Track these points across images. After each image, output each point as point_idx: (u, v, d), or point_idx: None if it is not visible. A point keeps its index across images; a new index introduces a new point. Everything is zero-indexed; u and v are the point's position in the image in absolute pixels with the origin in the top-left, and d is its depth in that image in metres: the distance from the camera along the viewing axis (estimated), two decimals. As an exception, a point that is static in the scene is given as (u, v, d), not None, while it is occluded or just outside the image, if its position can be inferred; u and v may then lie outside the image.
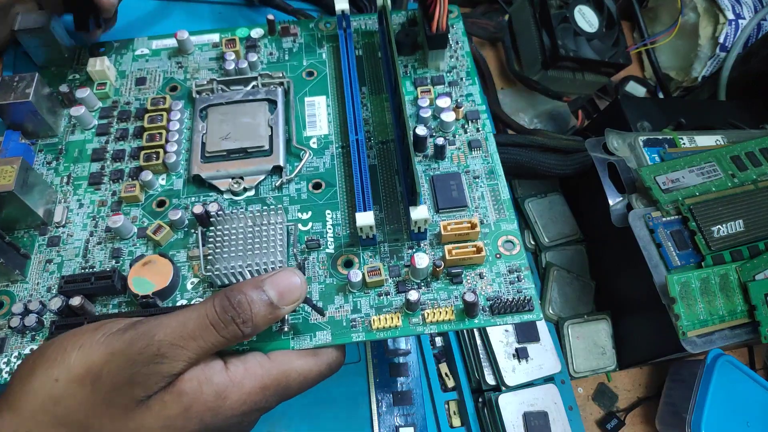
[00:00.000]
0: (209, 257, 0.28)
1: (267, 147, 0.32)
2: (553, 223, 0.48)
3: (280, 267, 0.27)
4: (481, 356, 0.39)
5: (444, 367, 0.41)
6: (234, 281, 0.27)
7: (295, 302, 0.25)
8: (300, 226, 0.30)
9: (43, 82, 0.33)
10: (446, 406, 0.40)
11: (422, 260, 0.28)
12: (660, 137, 0.41)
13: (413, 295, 0.27)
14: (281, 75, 0.35)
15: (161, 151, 0.32)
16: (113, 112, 0.35)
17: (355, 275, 0.28)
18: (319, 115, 0.35)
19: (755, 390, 0.40)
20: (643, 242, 0.36)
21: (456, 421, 0.39)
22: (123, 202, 0.32)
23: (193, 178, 0.32)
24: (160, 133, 0.33)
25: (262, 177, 0.32)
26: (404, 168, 0.30)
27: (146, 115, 0.34)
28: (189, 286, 0.29)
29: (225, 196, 0.32)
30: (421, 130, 0.32)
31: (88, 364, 0.23)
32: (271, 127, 0.33)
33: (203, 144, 0.32)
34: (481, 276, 0.29)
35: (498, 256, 0.29)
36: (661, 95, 0.59)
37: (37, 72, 0.33)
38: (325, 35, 0.38)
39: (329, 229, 0.30)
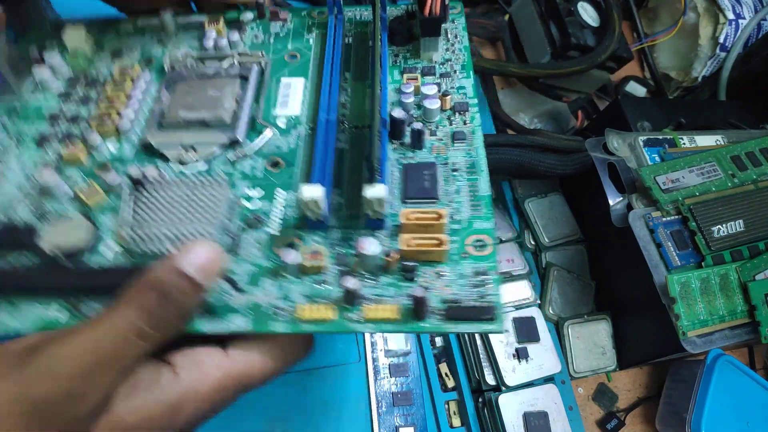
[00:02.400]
0: (134, 222, 0.25)
1: (228, 120, 0.30)
2: (553, 223, 0.48)
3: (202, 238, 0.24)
4: (481, 356, 0.39)
5: (444, 367, 0.41)
6: (155, 250, 0.25)
7: (216, 274, 0.22)
8: (246, 202, 0.27)
9: (11, 45, 0.32)
10: (446, 406, 0.40)
11: (371, 246, 0.24)
12: (660, 137, 0.41)
13: (351, 282, 0.23)
14: (260, 54, 0.33)
15: (116, 115, 0.30)
16: (81, 79, 0.33)
17: (290, 255, 0.24)
18: (293, 96, 0.32)
19: (755, 390, 0.40)
20: (643, 242, 0.36)
21: (456, 421, 0.39)
22: (65, 162, 0.29)
23: (144, 145, 0.30)
24: (120, 98, 0.31)
25: (217, 150, 0.29)
26: (371, 146, 0.28)
27: (111, 81, 0.32)
28: (110, 255, 0.26)
29: (174, 167, 0.29)
30: (398, 113, 0.29)
31: None
32: (238, 102, 0.31)
33: (162, 112, 0.31)
34: (440, 275, 0.25)
35: (465, 255, 0.25)
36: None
37: (7, 37, 0.32)
38: (316, 22, 0.37)
39: (279, 209, 0.27)
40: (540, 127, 0.55)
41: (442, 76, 0.33)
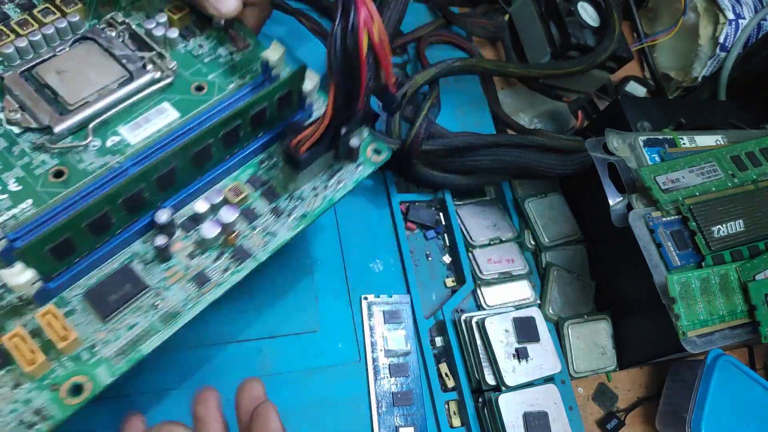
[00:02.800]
0: None
1: (70, 107, 0.27)
2: (553, 223, 0.48)
3: None
4: (481, 356, 0.39)
5: (444, 367, 0.41)
6: None
7: None
8: None
9: None
10: (446, 406, 0.40)
11: None
12: (660, 137, 0.41)
13: None
14: (172, 68, 0.30)
15: (10, 39, 0.28)
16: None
17: None
18: (153, 124, 0.28)
19: (755, 390, 0.40)
20: (643, 242, 0.36)
21: (456, 421, 0.39)
22: None
23: (1, 80, 0.28)
24: (33, 27, 0.29)
25: (33, 125, 0.27)
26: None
27: (46, 5, 0.30)
28: None
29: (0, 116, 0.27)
30: (164, 215, 0.25)
31: None
32: (98, 96, 0.28)
33: (40, 62, 0.29)
34: (16, 386, 0.22)
35: (53, 389, 0.22)
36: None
37: None
38: (255, 70, 0.31)
39: (18, 221, 0.24)
40: (540, 127, 0.55)
41: (272, 211, 0.28)
